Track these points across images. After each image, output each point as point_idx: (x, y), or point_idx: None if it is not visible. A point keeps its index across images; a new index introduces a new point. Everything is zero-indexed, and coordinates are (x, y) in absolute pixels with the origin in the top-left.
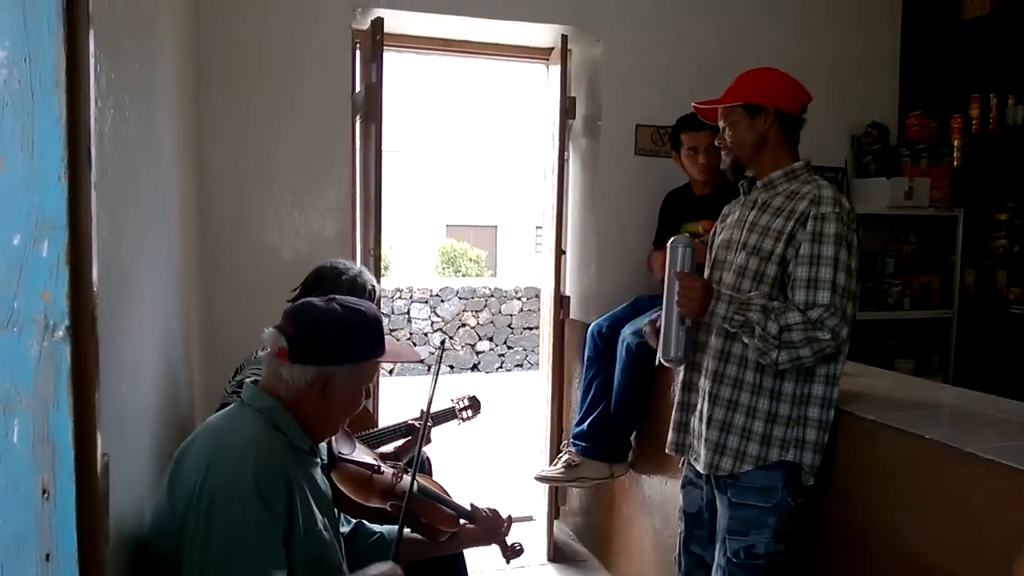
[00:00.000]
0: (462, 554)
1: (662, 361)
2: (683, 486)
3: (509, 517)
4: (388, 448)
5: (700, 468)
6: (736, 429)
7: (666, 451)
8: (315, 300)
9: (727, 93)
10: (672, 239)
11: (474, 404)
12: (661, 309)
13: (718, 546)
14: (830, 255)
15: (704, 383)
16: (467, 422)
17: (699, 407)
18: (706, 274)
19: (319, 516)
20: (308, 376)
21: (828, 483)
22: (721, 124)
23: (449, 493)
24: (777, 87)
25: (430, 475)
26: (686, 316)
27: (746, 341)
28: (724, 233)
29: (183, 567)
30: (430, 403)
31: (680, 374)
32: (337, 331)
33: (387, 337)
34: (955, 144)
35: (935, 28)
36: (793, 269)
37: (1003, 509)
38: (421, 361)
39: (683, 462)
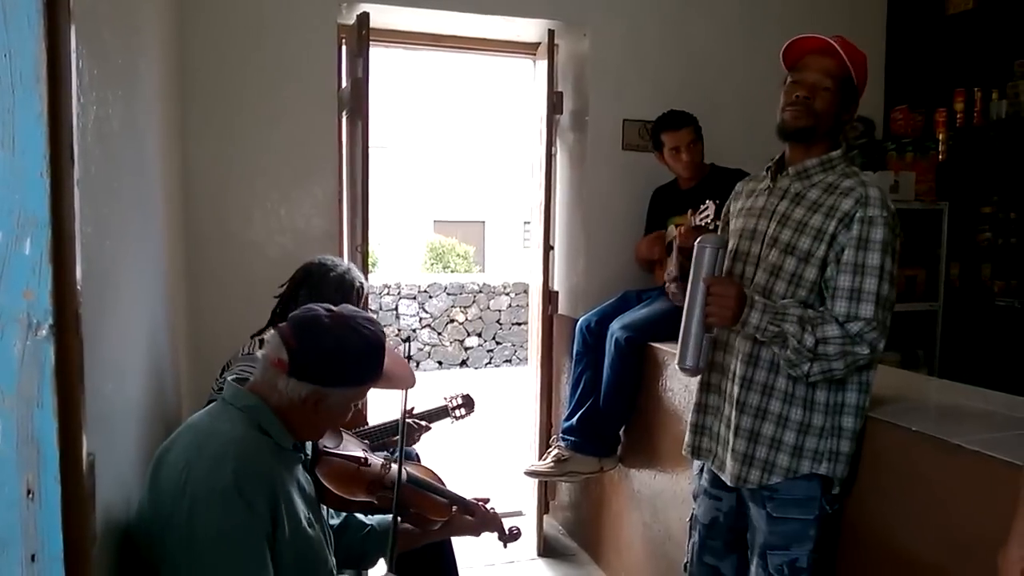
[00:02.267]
0: (451, 548)
1: (678, 368)
2: (696, 495)
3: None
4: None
5: (726, 479)
6: (764, 439)
7: (682, 453)
8: (323, 315)
9: (851, 51)
10: (699, 239)
11: (467, 402)
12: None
13: (755, 560)
14: (876, 264)
15: (731, 388)
16: (460, 420)
17: (726, 413)
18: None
19: (303, 512)
20: (303, 392)
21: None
22: (819, 78)
23: (441, 480)
24: (866, 80)
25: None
26: (715, 325)
27: (776, 351)
28: (745, 220)
29: (168, 566)
30: (400, 467)
31: (697, 376)
32: (341, 356)
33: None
34: (940, 138)
35: (920, 23)
36: (834, 275)
37: (989, 500)
38: (400, 347)
39: (703, 468)
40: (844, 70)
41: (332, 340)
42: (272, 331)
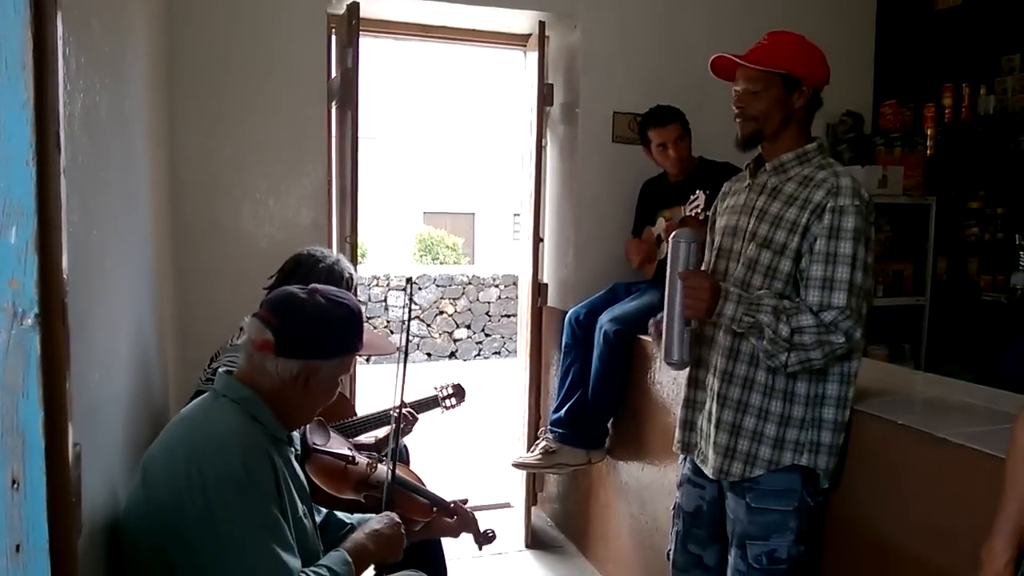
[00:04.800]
0: (439, 540)
1: (664, 364)
2: (680, 484)
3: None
4: (369, 439)
5: (708, 472)
6: (746, 432)
7: (673, 449)
8: (297, 291)
9: (764, 53)
10: (674, 233)
11: (458, 392)
12: (662, 307)
13: (734, 551)
14: (847, 252)
15: (712, 382)
16: (451, 410)
17: (707, 407)
18: (709, 260)
19: (300, 503)
20: (294, 369)
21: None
22: (744, 86)
23: (423, 482)
24: (816, 62)
25: (408, 464)
26: (692, 318)
27: (754, 342)
28: (728, 218)
29: (185, 553)
30: (402, 387)
31: (686, 369)
32: (324, 325)
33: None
34: (928, 133)
35: (909, 18)
36: (807, 266)
37: (973, 493)
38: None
39: (684, 458)
40: (766, 72)
41: (312, 312)
42: (248, 318)
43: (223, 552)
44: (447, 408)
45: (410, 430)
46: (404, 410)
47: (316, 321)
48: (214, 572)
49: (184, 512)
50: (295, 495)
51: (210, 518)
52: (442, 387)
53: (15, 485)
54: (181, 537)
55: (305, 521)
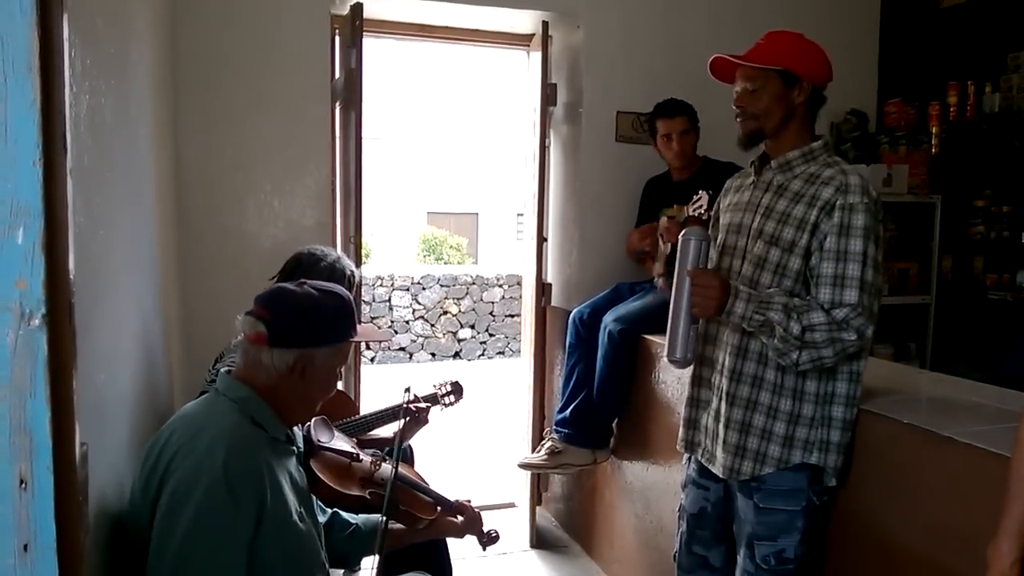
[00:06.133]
0: (444, 540)
1: (667, 361)
2: (684, 485)
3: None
4: (383, 434)
5: (717, 471)
6: (756, 430)
7: (676, 447)
8: (286, 284)
9: (761, 52)
10: (683, 232)
11: (456, 390)
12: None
13: (743, 551)
14: (858, 250)
15: (720, 381)
16: (449, 407)
17: (715, 406)
18: (712, 257)
19: (294, 506)
20: (289, 360)
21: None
22: (743, 85)
23: (427, 482)
24: (815, 59)
25: (412, 464)
26: (700, 316)
27: (764, 340)
28: (732, 215)
29: (150, 551)
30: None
31: (690, 368)
32: (315, 313)
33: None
34: (933, 131)
35: (914, 16)
36: (817, 264)
37: (979, 492)
38: (394, 338)
39: (689, 459)
40: (763, 69)
41: (303, 301)
42: (241, 316)
43: (173, 550)
44: (446, 405)
45: (425, 419)
46: (413, 405)
47: (306, 309)
48: (157, 559)
49: (159, 506)
50: (288, 497)
51: (173, 514)
52: (441, 384)
53: (23, 484)
54: (151, 533)
55: (300, 524)
